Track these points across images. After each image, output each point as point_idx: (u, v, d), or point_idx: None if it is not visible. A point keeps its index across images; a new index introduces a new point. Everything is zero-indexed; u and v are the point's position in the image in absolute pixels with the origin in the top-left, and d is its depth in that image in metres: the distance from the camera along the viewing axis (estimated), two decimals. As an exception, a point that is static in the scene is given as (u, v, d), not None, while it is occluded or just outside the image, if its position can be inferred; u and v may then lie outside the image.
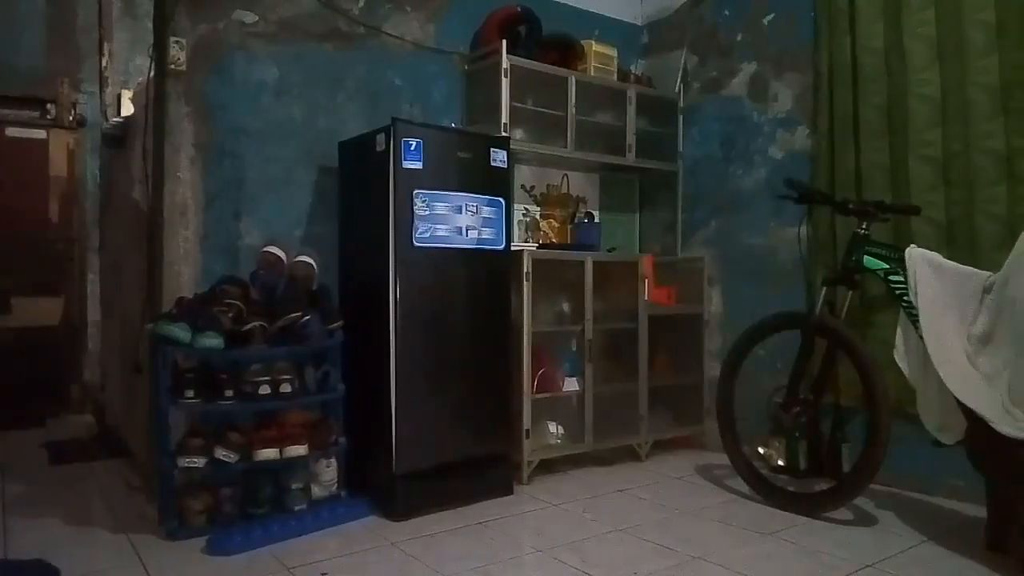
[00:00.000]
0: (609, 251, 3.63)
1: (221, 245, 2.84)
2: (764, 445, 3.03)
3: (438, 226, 2.69)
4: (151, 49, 2.72)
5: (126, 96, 4.22)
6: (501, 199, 2.88)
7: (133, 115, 3.32)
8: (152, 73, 2.73)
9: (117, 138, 3.53)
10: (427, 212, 2.65)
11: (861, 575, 2.13)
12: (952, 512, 2.71)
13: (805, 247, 3.34)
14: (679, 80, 3.88)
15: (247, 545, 2.36)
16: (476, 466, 2.84)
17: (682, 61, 3.88)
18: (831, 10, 3.20)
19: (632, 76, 3.80)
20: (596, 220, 3.76)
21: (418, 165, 2.63)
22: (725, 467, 3.17)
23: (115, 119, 3.75)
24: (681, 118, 3.91)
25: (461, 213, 2.75)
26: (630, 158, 3.66)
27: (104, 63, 4.25)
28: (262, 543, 2.39)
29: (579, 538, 2.46)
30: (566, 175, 3.80)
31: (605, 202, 3.99)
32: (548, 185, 3.75)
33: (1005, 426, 2.05)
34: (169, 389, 2.51)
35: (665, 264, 3.81)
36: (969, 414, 2.20)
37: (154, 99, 2.71)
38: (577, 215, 3.75)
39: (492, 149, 2.87)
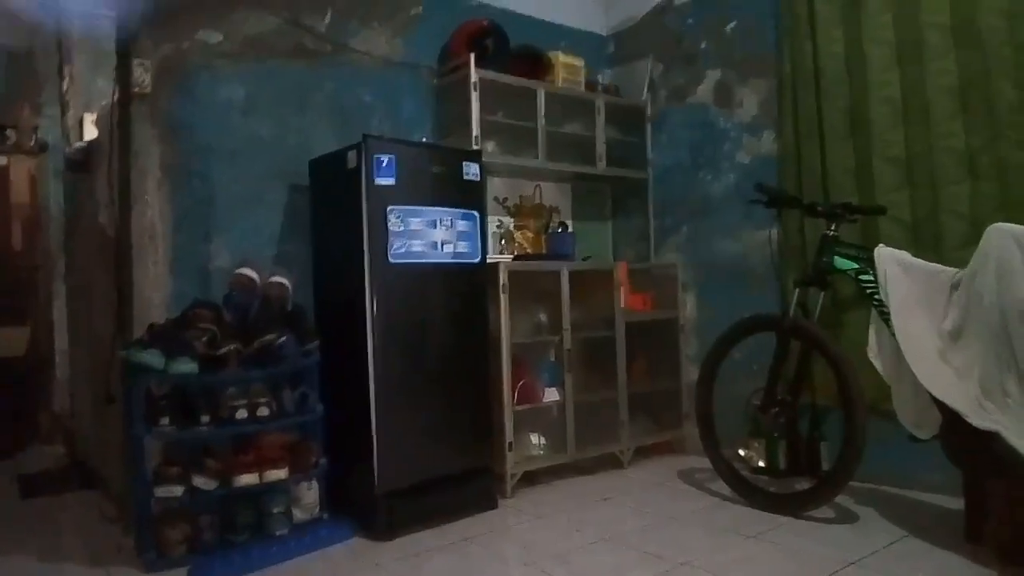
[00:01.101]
0: (584, 260, 3.65)
1: (191, 268, 2.80)
2: (744, 447, 3.06)
3: (413, 241, 2.68)
4: (115, 71, 2.68)
5: (88, 119, 4.15)
6: (475, 212, 2.88)
7: (97, 138, 3.26)
8: (116, 95, 2.69)
9: (81, 162, 3.47)
10: (402, 228, 2.64)
11: (846, 573, 2.15)
12: (930, 505, 2.75)
13: (776, 250, 3.39)
14: (646, 89, 3.92)
15: (228, 574, 2.32)
16: (459, 481, 2.82)
17: (648, 70, 3.92)
18: (792, 17, 3.26)
19: (600, 86, 3.83)
20: (570, 230, 3.77)
21: (391, 181, 2.62)
22: (705, 471, 3.19)
23: (78, 143, 3.68)
24: (649, 126, 3.95)
25: (436, 228, 2.74)
26: (601, 167, 3.69)
27: (65, 86, 4.17)
28: (243, 571, 2.35)
29: (566, 549, 2.45)
30: (538, 186, 3.82)
31: (578, 211, 4.01)
32: (521, 196, 3.76)
33: (978, 419, 2.09)
34: (143, 417, 2.47)
35: (639, 271, 3.83)
36: (944, 409, 2.24)
37: (119, 122, 2.67)
38: (551, 225, 3.76)
39: (464, 162, 2.87)
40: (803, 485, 2.97)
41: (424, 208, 2.71)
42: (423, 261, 2.71)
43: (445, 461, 2.79)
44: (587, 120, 3.71)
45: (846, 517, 2.65)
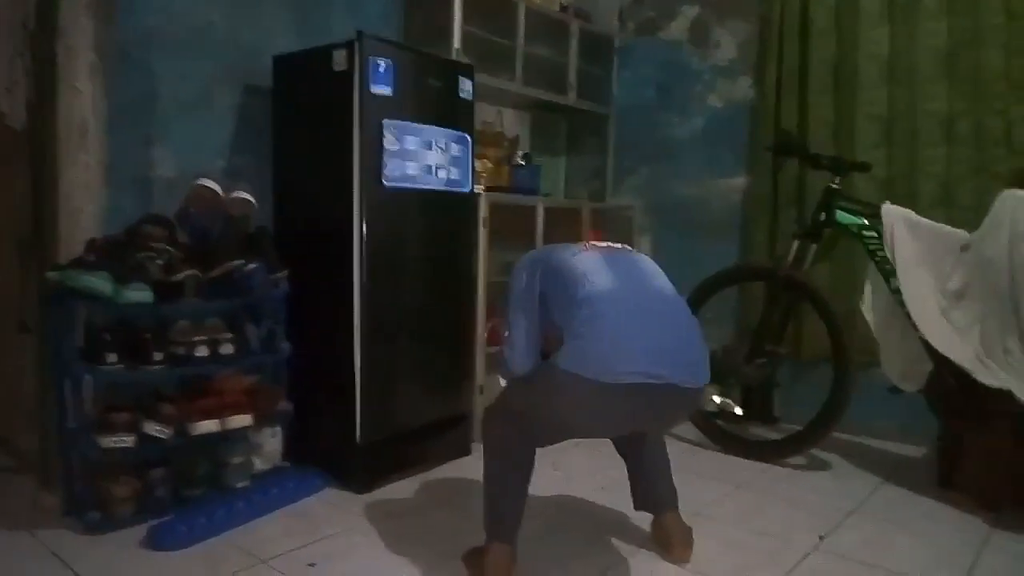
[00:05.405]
0: (544, 196, 3.46)
1: (130, 176, 2.33)
2: (714, 395, 3.07)
3: (408, 163, 2.37)
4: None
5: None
6: (467, 136, 2.60)
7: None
8: (34, -51, 2.12)
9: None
10: (397, 147, 2.32)
11: (851, 521, 2.21)
12: (886, 452, 2.90)
13: (743, 199, 3.39)
14: (616, 19, 3.72)
15: (194, 536, 1.99)
16: (437, 428, 2.62)
17: (619, -2, 3.72)
18: (783, -41, 3.18)
19: (571, 9, 3.58)
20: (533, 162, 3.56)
21: (388, 91, 2.28)
22: (667, 416, 3.18)
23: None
24: (616, 59, 3.77)
25: (431, 149, 2.44)
26: (571, 97, 3.48)
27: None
28: (212, 532, 2.03)
29: (559, 499, 2.35)
30: (500, 112, 3.55)
31: (535, 143, 3.79)
32: (482, 122, 3.47)
33: (984, 377, 2.18)
34: (82, 353, 2.04)
35: (592, 211, 3.69)
36: (942, 364, 2.32)
37: (39, -17, 2.11)
38: (515, 156, 3.52)
39: (460, 78, 2.57)
40: (758, 430, 3.07)
41: (422, 126, 2.39)
42: (417, 187, 2.41)
43: (427, 408, 2.57)
44: (557, 45, 3.46)
45: (818, 464, 2.74)
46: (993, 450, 2.26)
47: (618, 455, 2.09)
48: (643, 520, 2.09)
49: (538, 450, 1.86)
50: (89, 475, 2.06)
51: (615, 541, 2.07)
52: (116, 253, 2.06)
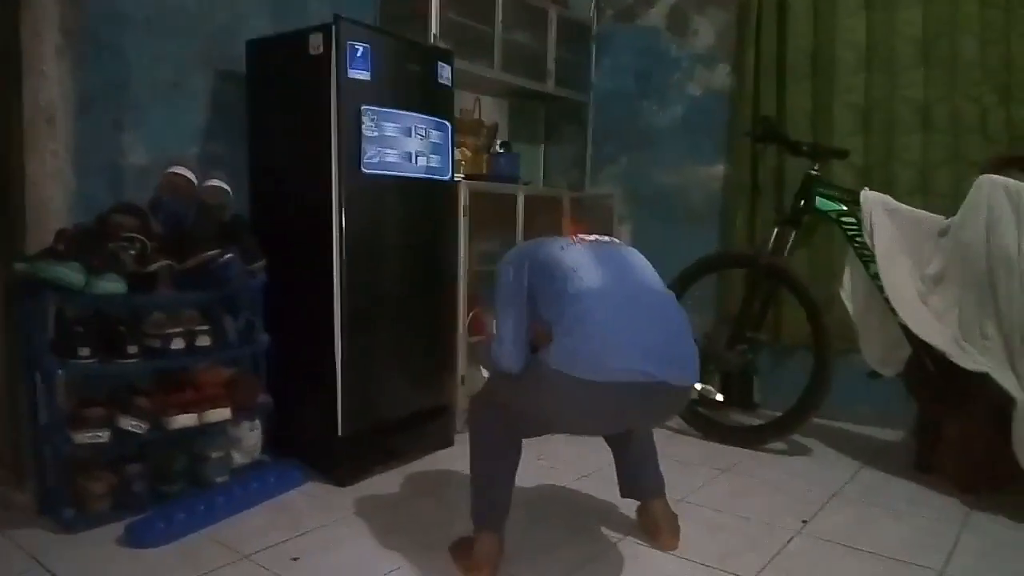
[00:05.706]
0: (525, 184, 3.44)
1: (99, 163, 2.25)
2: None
3: (386, 150, 2.32)
4: None
5: None
6: (447, 123, 2.56)
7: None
8: (-5, -74, 2.03)
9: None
10: (376, 133, 2.27)
11: (833, 505, 2.23)
12: (866, 436, 2.94)
13: (722, 186, 3.40)
14: (593, 5, 3.70)
15: (173, 532, 1.94)
16: (420, 419, 2.59)
17: (597, -16, 3.70)
18: (761, -53, 3.18)
19: (549, -5, 3.55)
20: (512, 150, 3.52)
21: (366, 76, 2.24)
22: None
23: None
24: (594, 46, 3.75)
25: (410, 136, 2.40)
26: (550, 85, 3.45)
27: None
28: (192, 528, 1.99)
29: (545, 488, 2.34)
30: (478, 99, 3.51)
31: (513, 131, 3.76)
32: (460, 109, 3.43)
33: (963, 361, 2.20)
34: (53, 346, 1.98)
35: (573, 200, 3.68)
36: (920, 348, 2.35)
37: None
38: (493, 145, 3.48)
39: (439, 63, 2.53)
40: (739, 416, 3.09)
41: (401, 112, 2.35)
42: (396, 174, 2.37)
43: (409, 399, 2.55)
44: (536, 32, 3.42)
45: (798, 449, 2.76)
46: (971, 434, 2.29)
47: (604, 443, 2.08)
48: (629, 508, 2.09)
49: (524, 440, 1.84)
50: (63, 472, 2.01)
51: (602, 529, 2.06)
52: (87, 243, 2.00)
